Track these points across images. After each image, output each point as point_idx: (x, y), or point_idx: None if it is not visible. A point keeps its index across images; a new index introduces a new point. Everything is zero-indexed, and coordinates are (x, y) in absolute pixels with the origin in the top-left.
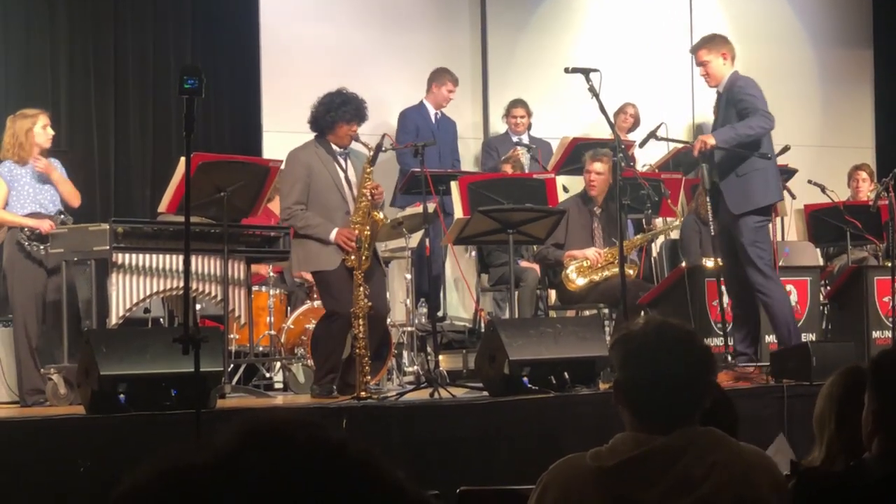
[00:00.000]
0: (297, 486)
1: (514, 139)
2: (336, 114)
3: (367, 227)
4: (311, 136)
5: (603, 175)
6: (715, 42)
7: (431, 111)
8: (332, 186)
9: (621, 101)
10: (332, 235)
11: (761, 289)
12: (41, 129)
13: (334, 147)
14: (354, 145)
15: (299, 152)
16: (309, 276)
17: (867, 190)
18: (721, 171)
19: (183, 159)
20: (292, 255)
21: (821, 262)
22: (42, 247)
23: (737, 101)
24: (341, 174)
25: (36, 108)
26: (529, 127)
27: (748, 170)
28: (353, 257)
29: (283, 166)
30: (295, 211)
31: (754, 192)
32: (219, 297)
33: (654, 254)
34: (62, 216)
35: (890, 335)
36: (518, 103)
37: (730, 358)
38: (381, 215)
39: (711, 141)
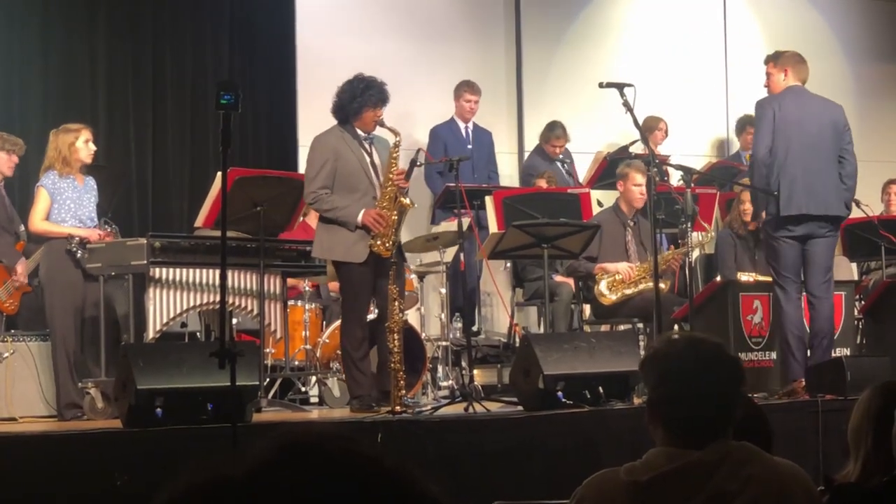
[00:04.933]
0: (331, 501)
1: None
2: (362, 99)
3: (394, 213)
4: None
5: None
6: (780, 60)
7: (461, 125)
8: (360, 170)
9: (657, 116)
10: (360, 217)
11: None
12: (83, 144)
13: (360, 132)
14: (379, 131)
15: (325, 136)
16: None
17: None
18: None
19: (219, 174)
20: (316, 239)
21: (856, 276)
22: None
23: None
24: (367, 158)
25: (76, 122)
26: (567, 153)
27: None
28: (378, 242)
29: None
30: (320, 195)
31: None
32: (255, 312)
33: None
34: (108, 226)
35: None
36: (556, 128)
37: None
38: (407, 200)
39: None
